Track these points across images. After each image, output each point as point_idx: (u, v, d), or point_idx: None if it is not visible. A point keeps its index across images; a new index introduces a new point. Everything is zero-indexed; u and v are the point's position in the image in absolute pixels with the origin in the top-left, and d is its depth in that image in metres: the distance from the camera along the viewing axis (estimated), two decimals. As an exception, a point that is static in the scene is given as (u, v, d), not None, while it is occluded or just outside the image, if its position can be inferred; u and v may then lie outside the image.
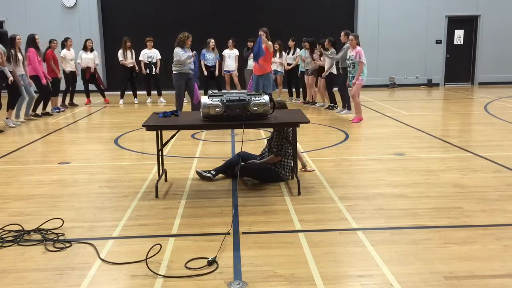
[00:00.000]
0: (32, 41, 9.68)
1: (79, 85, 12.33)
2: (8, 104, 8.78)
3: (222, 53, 12.74)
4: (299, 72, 11.82)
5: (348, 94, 9.88)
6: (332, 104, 10.60)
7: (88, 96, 12.43)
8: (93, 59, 12.08)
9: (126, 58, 12.19)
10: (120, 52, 12.23)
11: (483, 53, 15.88)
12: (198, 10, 15.13)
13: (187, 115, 5.33)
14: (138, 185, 4.96)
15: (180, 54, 8.87)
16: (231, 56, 12.70)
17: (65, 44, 11.42)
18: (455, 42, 16.18)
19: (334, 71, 10.25)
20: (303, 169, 5.36)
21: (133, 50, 12.37)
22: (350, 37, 8.86)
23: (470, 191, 4.60)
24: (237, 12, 15.13)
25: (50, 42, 10.82)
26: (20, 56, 8.99)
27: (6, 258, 3.28)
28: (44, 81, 9.77)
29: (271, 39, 9.71)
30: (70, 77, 11.50)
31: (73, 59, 11.48)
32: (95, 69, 12.12)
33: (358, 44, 8.70)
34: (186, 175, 5.33)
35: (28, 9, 14.84)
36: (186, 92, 9.43)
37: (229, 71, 12.74)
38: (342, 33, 9.86)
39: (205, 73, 12.37)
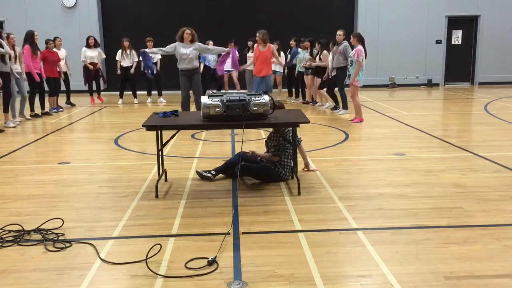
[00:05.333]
0: (29, 38, 9.67)
1: (77, 85, 12.35)
2: (4, 107, 8.78)
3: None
4: (296, 72, 11.81)
5: (345, 94, 9.90)
6: (336, 105, 10.58)
7: (91, 95, 12.47)
8: (97, 56, 12.12)
9: (123, 58, 12.21)
10: (119, 52, 12.27)
11: (483, 53, 15.88)
12: (198, 10, 15.13)
13: (187, 115, 5.33)
14: (138, 185, 4.96)
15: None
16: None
17: (54, 44, 11.36)
18: (452, 42, 16.20)
19: (334, 72, 10.24)
20: (305, 169, 5.37)
21: (133, 51, 12.39)
22: (351, 36, 8.87)
23: (470, 191, 4.60)
24: (237, 12, 15.14)
25: (46, 42, 10.74)
26: (13, 54, 8.98)
27: (6, 258, 3.28)
28: (37, 78, 9.76)
29: (271, 39, 9.82)
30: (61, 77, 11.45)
31: (63, 58, 11.40)
32: (99, 67, 12.18)
33: (361, 42, 8.65)
34: (186, 175, 5.33)
35: (28, 9, 14.85)
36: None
37: (227, 71, 12.74)
38: (341, 32, 9.85)
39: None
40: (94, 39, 12.33)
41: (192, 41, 8.68)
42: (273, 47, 9.77)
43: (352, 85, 8.68)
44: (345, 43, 9.61)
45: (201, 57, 12.44)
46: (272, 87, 9.90)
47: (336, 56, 9.75)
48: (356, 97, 8.78)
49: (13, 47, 9.05)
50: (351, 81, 8.69)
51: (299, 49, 11.68)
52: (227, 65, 12.69)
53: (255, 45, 9.75)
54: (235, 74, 12.79)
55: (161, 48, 8.91)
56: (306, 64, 11.09)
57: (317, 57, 10.68)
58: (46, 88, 10.53)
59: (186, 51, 8.55)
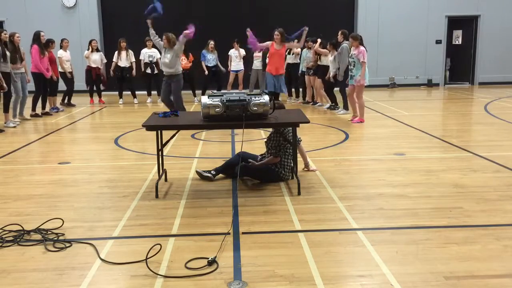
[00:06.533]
0: (37, 38, 9.74)
1: (77, 85, 12.35)
2: (4, 107, 8.82)
3: (229, 53, 12.74)
4: (300, 72, 11.81)
5: (346, 94, 9.89)
6: (334, 104, 10.59)
7: (91, 96, 12.52)
8: (99, 59, 12.14)
9: (120, 59, 12.21)
10: (116, 53, 12.29)
11: (483, 53, 15.88)
12: (198, 10, 15.11)
13: (187, 115, 5.33)
14: (138, 185, 4.96)
15: None
16: (237, 56, 12.69)
17: (61, 45, 11.40)
18: (453, 42, 16.20)
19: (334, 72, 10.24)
20: (305, 169, 5.37)
21: (130, 51, 12.38)
22: (349, 39, 8.88)
23: (470, 191, 4.60)
24: (237, 12, 15.13)
25: (48, 42, 10.74)
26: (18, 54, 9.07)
27: (6, 258, 3.28)
28: (47, 75, 9.85)
29: (271, 39, 9.85)
30: (65, 77, 11.45)
31: (69, 60, 11.45)
32: (102, 71, 12.21)
33: (362, 43, 8.66)
34: (186, 175, 5.33)
35: (28, 9, 14.84)
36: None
37: (236, 71, 12.74)
38: (339, 33, 9.87)
39: (206, 72, 12.43)
40: (97, 42, 12.37)
41: (171, 45, 8.66)
42: (287, 44, 10.11)
43: (358, 85, 8.65)
44: (344, 44, 9.58)
45: (201, 56, 12.47)
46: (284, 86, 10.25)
47: (337, 56, 9.77)
48: (361, 97, 8.77)
49: (18, 46, 9.12)
50: (357, 82, 8.64)
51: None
52: (235, 66, 12.71)
53: (271, 43, 9.78)
54: (241, 75, 12.80)
55: (157, 38, 8.97)
56: (308, 64, 11.09)
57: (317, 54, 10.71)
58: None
59: (166, 56, 8.56)
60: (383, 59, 15.35)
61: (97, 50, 12.23)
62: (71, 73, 11.49)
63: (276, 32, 9.65)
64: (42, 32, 9.89)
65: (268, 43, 9.84)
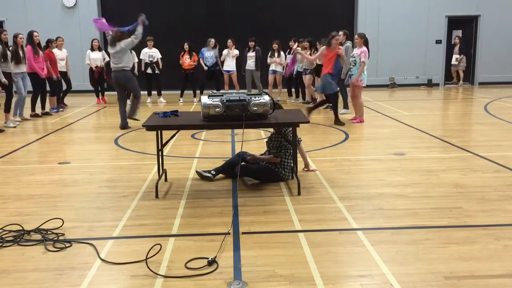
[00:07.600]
0: (29, 38, 9.72)
1: (77, 85, 12.36)
2: (5, 107, 8.84)
3: (222, 53, 12.73)
4: (295, 72, 11.80)
5: (346, 94, 9.89)
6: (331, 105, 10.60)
7: (97, 96, 12.57)
8: (101, 58, 12.16)
9: None
10: None
11: (483, 53, 15.88)
12: (198, 10, 15.12)
13: (187, 115, 5.33)
14: (138, 185, 4.96)
15: None
16: (230, 56, 12.67)
17: (55, 43, 11.38)
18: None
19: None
20: (305, 169, 5.37)
21: (133, 51, 12.35)
22: (355, 36, 8.87)
23: (470, 191, 4.60)
24: (237, 12, 15.14)
25: (48, 42, 10.75)
26: (21, 54, 9.11)
27: (6, 258, 3.28)
28: (42, 74, 9.84)
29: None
30: (61, 77, 11.42)
31: (63, 59, 11.41)
32: (102, 68, 12.20)
33: (365, 43, 8.66)
34: (186, 175, 5.33)
35: (28, 9, 14.84)
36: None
37: (228, 71, 12.70)
38: (341, 33, 9.87)
39: (205, 68, 12.38)
40: (98, 42, 12.39)
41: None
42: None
43: (356, 86, 8.67)
44: (348, 44, 9.59)
45: (200, 54, 12.45)
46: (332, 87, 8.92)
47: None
48: (360, 97, 8.78)
49: (21, 47, 9.14)
50: (353, 81, 8.67)
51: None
52: (227, 66, 12.67)
53: (324, 49, 8.66)
54: (234, 76, 12.75)
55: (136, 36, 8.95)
56: (306, 65, 11.09)
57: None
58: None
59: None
60: (383, 59, 15.35)
61: (99, 49, 12.24)
62: (65, 73, 11.45)
63: (335, 36, 8.44)
64: (35, 32, 9.81)
65: (322, 51, 8.69)
